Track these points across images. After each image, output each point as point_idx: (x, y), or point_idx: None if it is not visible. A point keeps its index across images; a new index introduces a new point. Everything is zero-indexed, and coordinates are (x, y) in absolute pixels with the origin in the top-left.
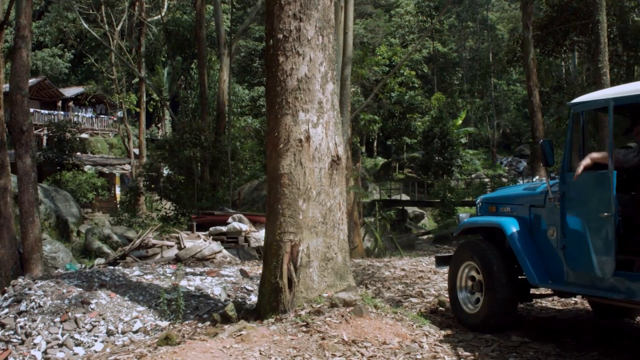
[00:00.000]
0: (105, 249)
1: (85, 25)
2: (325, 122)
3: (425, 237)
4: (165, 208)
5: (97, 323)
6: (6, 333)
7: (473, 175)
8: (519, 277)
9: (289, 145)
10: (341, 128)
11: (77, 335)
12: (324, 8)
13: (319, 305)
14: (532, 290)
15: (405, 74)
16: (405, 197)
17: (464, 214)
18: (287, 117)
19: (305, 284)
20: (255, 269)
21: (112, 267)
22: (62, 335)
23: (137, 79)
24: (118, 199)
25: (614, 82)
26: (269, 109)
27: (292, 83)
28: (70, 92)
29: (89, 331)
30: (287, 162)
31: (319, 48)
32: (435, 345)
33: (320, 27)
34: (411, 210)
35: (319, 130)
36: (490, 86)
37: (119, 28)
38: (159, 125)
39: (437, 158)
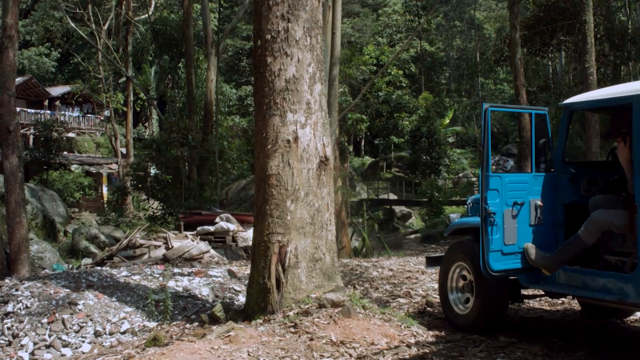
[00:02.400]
0: (93, 249)
1: (72, 24)
2: (314, 122)
3: (412, 236)
4: (152, 208)
5: (84, 324)
6: None
7: (460, 175)
8: (510, 277)
9: (277, 145)
10: (329, 128)
11: (64, 336)
12: (312, 9)
13: (307, 306)
14: (523, 291)
15: (392, 73)
16: (392, 197)
17: (454, 215)
18: (275, 117)
19: (294, 285)
20: (243, 269)
21: (99, 268)
22: (50, 336)
23: (124, 78)
24: (105, 199)
25: (601, 82)
26: (257, 110)
27: (280, 84)
28: (57, 91)
29: (77, 332)
30: (275, 162)
31: (307, 49)
32: (423, 345)
33: (309, 28)
34: (399, 209)
35: (307, 130)
36: (478, 85)
37: (106, 27)
38: (146, 124)
39: (424, 157)
